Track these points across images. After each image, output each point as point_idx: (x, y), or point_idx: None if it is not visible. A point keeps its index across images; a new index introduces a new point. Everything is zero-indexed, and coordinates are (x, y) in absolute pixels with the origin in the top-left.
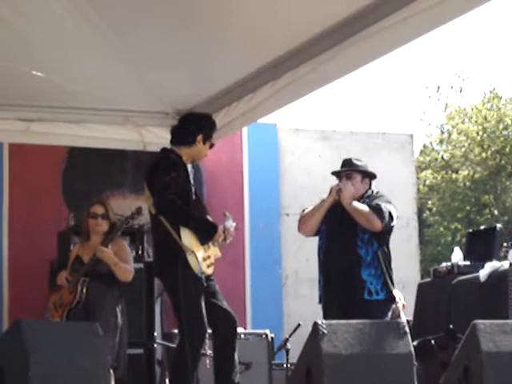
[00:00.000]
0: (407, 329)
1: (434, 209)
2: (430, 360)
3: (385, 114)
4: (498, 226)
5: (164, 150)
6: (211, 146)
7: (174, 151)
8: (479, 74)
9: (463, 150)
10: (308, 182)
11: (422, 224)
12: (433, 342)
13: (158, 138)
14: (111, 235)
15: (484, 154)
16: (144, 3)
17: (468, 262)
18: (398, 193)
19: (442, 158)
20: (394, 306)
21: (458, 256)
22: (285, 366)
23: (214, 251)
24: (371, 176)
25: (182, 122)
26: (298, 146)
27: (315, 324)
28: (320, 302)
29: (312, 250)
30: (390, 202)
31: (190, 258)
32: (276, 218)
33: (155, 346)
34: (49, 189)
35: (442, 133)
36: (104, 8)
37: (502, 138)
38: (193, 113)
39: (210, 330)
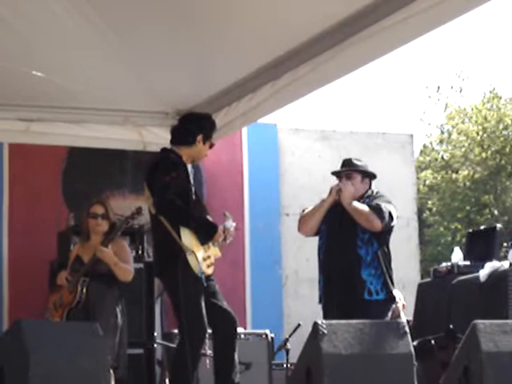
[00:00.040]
0: (407, 329)
1: (434, 209)
2: (430, 360)
3: (385, 114)
4: (498, 226)
5: (164, 149)
6: (211, 146)
7: (174, 151)
8: (479, 74)
9: (463, 150)
10: (308, 182)
11: (422, 224)
12: (433, 342)
13: (158, 138)
14: (111, 235)
15: (484, 154)
16: (144, 3)
17: (468, 262)
18: (398, 193)
19: (442, 157)
20: (393, 305)
21: (457, 256)
22: (285, 365)
23: (213, 251)
24: (371, 176)
25: (181, 122)
26: (298, 146)
27: (315, 324)
28: (320, 301)
29: (312, 249)
30: (390, 202)
31: (190, 258)
32: (276, 218)
33: (155, 345)
34: (49, 189)
35: (442, 133)
36: (104, 8)
37: (501, 138)
38: (193, 113)
39: (209, 330)
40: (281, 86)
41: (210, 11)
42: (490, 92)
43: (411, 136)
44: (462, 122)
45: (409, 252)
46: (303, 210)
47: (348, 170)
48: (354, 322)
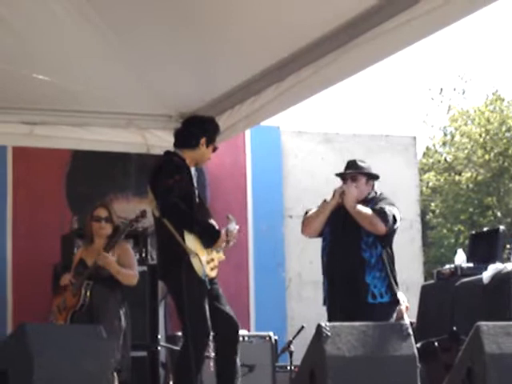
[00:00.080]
0: (410, 331)
1: (437, 211)
2: (433, 362)
3: (388, 117)
4: (501, 227)
5: (167, 152)
6: (214, 150)
7: (178, 154)
8: (482, 76)
9: (466, 152)
10: (311, 185)
11: (425, 226)
12: (436, 343)
13: (162, 141)
14: (115, 238)
15: (487, 156)
16: (147, 5)
17: (471, 264)
18: (401, 195)
19: (445, 160)
20: (397, 307)
21: (461, 258)
22: (288, 368)
23: (217, 254)
24: (375, 178)
25: (185, 125)
26: (301, 149)
27: (319, 326)
28: (324, 303)
29: (315, 252)
30: (393, 204)
31: (194, 261)
32: (279, 221)
33: (159, 348)
34: (52, 192)
35: (445, 135)
36: (106, 11)
37: (504, 140)
38: (196, 116)
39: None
40: (284, 88)
41: (214, 14)
42: (493, 94)
43: (414, 138)
44: (465, 124)
45: (412, 254)
46: (306, 212)
47: (354, 172)
48: (357, 324)
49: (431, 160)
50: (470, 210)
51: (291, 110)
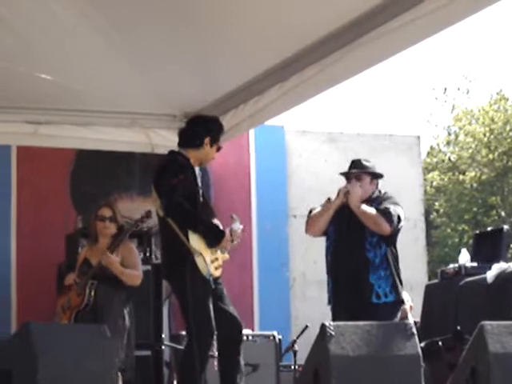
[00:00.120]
0: (414, 330)
1: (441, 210)
2: (437, 361)
3: (392, 116)
4: (505, 227)
5: (171, 152)
6: (218, 149)
7: (182, 154)
8: (486, 76)
9: (470, 151)
10: (315, 184)
11: (429, 225)
12: (440, 343)
13: (166, 141)
14: (119, 238)
15: (491, 156)
16: (150, 5)
17: (475, 264)
18: (405, 194)
19: (449, 159)
20: (401, 307)
21: (465, 257)
22: (292, 367)
23: (221, 254)
24: (379, 177)
25: (189, 124)
26: (305, 148)
27: (323, 326)
28: (329, 303)
29: (320, 251)
30: (397, 204)
31: (198, 260)
32: (283, 220)
33: (163, 347)
34: (57, 191)
35: (449, 134)
36: (108, 9)
37: (508, 140)
38: (200, 115)
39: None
40: (288, 88)
41: (217, 13)
42: (497, 93)
43: (418, 138)
44: (469, 124)
45: (416, 253)
46: (310, 211)
47: (358, 171)
48: (361, 323)
49: (435, 159)
50: (474, 209)
51: (295, 109)
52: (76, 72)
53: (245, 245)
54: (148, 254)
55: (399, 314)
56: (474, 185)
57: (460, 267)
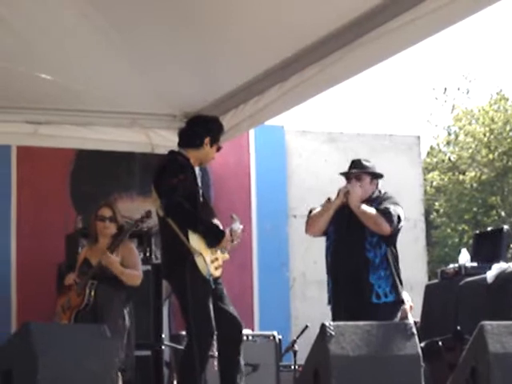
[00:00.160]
0: (414, 330)
1: (441, 210)
2: (437, 361)
3: (392, 116)
4: (505, 227)
5: (171, 152)
6: (218, 150)
7: (182, 154)
8: (486, 76)
9: (470, 151)
10: (315, 184)
11: (429, 225)
12: (440, 343)
13: (166, 141)
14: (119, 238)
15: (491, 156)
16: (150, 5)
17: (475, 264)
18: (405, 194)
19: (449, 159)
20: (401, 307)
21: (465, 257)
22: (292, 367)
23: (221, 254)
24: (379, 176)
25: (189, 124)
26: (305, 148)
27: (323, 326)
28: (329, 303)
29: (319, 251)
30: (397, 204)
31: (198, 260)
32: (283, 220)
33: (163, 347)
34: (57, 191)
35: (449, 134)
36: (108, 10)
37: (508, 140)
38: (200, 115)
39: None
40: (288, 88)
41: (217, 13)
42: (497, 93)
43: (418, 138)
44: (469, 124)
45: (416, 253)
46: (310, 211)
47: (358, 172)
48: (361, 323)
49: (435, 159)
50: (474, 209)
51: (295, 109)
52: (76, 72)
53: (245, 245)
54: (148, 254)
55: (399, 314)
56: (474, 185)
57: (460, 267)
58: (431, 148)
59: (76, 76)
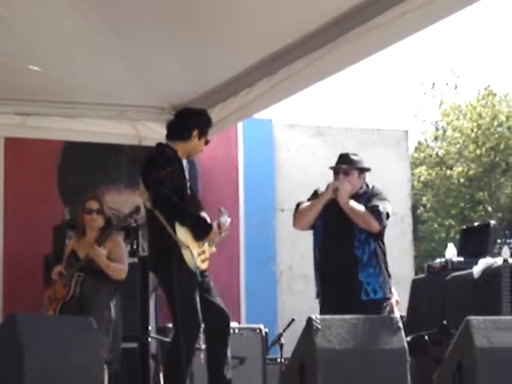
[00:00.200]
0: (401, 324)
1: (429, 205)
2: (423, 356)
3: (380, 111)
4: (492, 222)
5: (159, 144)
6: (206, 143)
7: (170, 146)
8: (474, 71)
9: (458, 146)
10: (303, 178)
11: (416, 220)
12: (426, 337)
13: (154, 133)
14: (107, 231)
15: (478, 151)
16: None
17: (462, 259)
18: (393, 189)
19: (437, 154)
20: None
21: (451, 252)
22: (279, 360)
23: (209, 247)
24: (367, 170)
25: (177, 117)
26: (293, 142)
27: (309, 319)
28: (317, 297)
29: (306, 245)
30: (386, 199)
31: (185, 253)
32: (271, 214)
33: (149, 340)
34: (44, 183)
35: (437, 129)
36: (101, 4)
37: (496, 135)
38: (189, 108)
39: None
40: (276, 81)
41: (207, 7)
42: (485, 89)
43: (406, 132)
44: (457, 119)
45: (403, 248)
46: (298, 205)
47: (347, 168)
48: (347, 317)
49: (423, 154)
50: (462, 204)
51: (283, 103)
52: (65, 64)
53: (232, 238)
54: (135, 247)
55: (387, 310)
56: (462, 180)
57: (447, 262)
58: (419, 143)
59: (66, 68)
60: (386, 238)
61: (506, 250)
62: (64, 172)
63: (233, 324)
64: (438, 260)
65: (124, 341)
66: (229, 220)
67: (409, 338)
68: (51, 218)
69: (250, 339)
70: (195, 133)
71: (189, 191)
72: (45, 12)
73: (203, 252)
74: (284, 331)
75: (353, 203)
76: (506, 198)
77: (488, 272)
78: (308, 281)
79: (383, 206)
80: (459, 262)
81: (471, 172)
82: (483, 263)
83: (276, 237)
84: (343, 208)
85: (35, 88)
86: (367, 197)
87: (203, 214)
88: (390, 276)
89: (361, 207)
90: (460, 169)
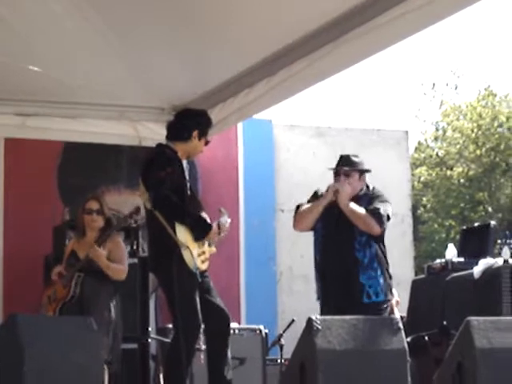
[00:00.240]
0: (401, 325)
1: (429, 205)
2: (423, 356)
3: (380, 111)
4: (492, 223)
5: (159, 145)
6: (206, 143)
7: (170, 147)
8: (474, 72)
9: (458, 147)
10: (303, 179)
11: (417, 221)
12: (426, 338)
13: (154, 134)
14: (107, 232)
15: (478, 151)
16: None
17: (462, 259)
18: (393, 189)
19: (437, 154)
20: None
21: (452, 253)
22: (279, 361)
23: (209, 247)
24: (367, 172)
25: (177, 117)
26: (293, 143)
27: (309, 319)
28: (318, 299)
29: (306, 246)
30: (387, 201)
31: (185, 253)
32: (271, 215)
33: (149, 340)
34: (44, 183)
35: (437, 130)
36: (101, 4)
37: (496, 136)
38: (189, 109)
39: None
40: (276, 82)
41: (207, 7)
42: (485, 89)
43: (406, 133)
44: (457, 119)
45: (403, 248)
46: (298, 206)
47: (348, 170)
48: (347, 317)
49: (423, 155)
50: (462, 205)
51: (283, 103)
52: (65, 65)
53: (232, 238)
54: (135, 247)
55: (387, 311)
56: (462, 180)
57: (447, 262)
58: (419, 143)
59: (65, 68)
60: (386, 239)
61: (506, 251)
62: (64, 172)
63: (233, 325)
64: (438, 260)
65: (124, 341)
66: (229, 220)
67: (409, 339)
68: (51, 218)
69: (250, 340)
70: (195, 133)
71: (189, 192)
72: (45, 12)
73: (203, 252)
74: (284, 332)
75: (353, 205)
76: (506, 198)
77: (488, 272)
78: (308, 281)
79: (384, 209)
80: (459, 262)
81: (471, 172)
82: (483, 264)
83: (276, 237)
84: (343, 210)
85: (35, 88)
86: (368, 198)
87: (203, 215)
88: (390, 277)
89: (361, 209)
90: (460, 169)
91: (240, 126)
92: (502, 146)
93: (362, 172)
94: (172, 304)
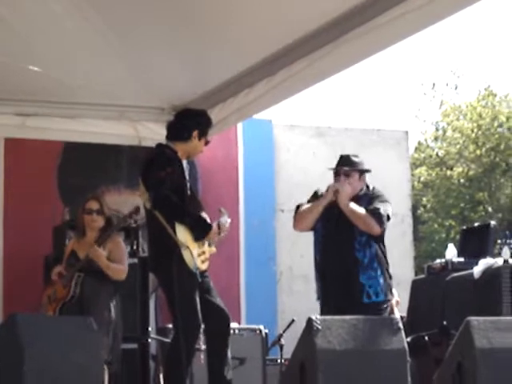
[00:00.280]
0: (401, 325)
1: (429, 205)
2: (423, 356)
3: (380, 111)
4: (492, 223)
5: (159, 145)
6: (206, 143)
7: (170, 147)
8: (474, 72)
9: (458, 147)
10: (303, 179)
11: (417, 221)
12: (426, 338)
13: (154, 134)
14: (107, 232)
15: (478, 152)
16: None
17: (462, 259)
18: (393, 189)
19: (437, 154)
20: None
21: (452, 253)
22: (279, 361)
23: (209, 247)
24: (367, 171)
25: (177, 117)
26: (293, 143)
27: (309, 319)
28: (318, 299)
29: (306, 245)
30: (387, 201)
31: (185, 254)
32: (271, 215)
33: (149, 340)
34: (44, 183)
35: (437, 130)
36: (101, 4)
37: (496, 136)
38: (189, 109)
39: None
40: (276, 82)
41: (207, 7)
42: (485, 89)
43: (406, 133)
44: (457, 119)
45: (403, 248)
46: (297, 206)
47: (348, 170)
48: (347, 317)
49: (423, 155)
50: (462, 205)
51: (283, 103)
52: (65, 64)
53: (232, 238)
54: (135, 247)
55: (387, 311)
56: (462, 180)
57: (447, 262)
58: (419, 143)
59: (64, 68)
60: (386, 239)
61: (506, 251)
62: (64, 172)
63: (233, 325)
64: (438, 260)
65: (124, 341)
66: (229, 220)
67: (409, 339)
68: (51, 218)
69: (250, 340)
70: (195, 133)
71: (189, 192)
72: (45, 12)
73: (203, 252)
74: (284, 332)
75: (353, 205)
76: (506, 198)
77: (488, 272)
78: (308, 281)
79: (384, 209)
80: (459, 262)
81: (471, 172)
82: (484, 264)
83: (276, 237)
84: (343, 210)
85: (35, 88)
86: (368, 199)
87: (203, 215)
88: (390, 277)
89: (361, 210)
90: (460, 169)
91: (240, 125)
92: (502, 146)
93: (362, 172)
94: (172, 304)
